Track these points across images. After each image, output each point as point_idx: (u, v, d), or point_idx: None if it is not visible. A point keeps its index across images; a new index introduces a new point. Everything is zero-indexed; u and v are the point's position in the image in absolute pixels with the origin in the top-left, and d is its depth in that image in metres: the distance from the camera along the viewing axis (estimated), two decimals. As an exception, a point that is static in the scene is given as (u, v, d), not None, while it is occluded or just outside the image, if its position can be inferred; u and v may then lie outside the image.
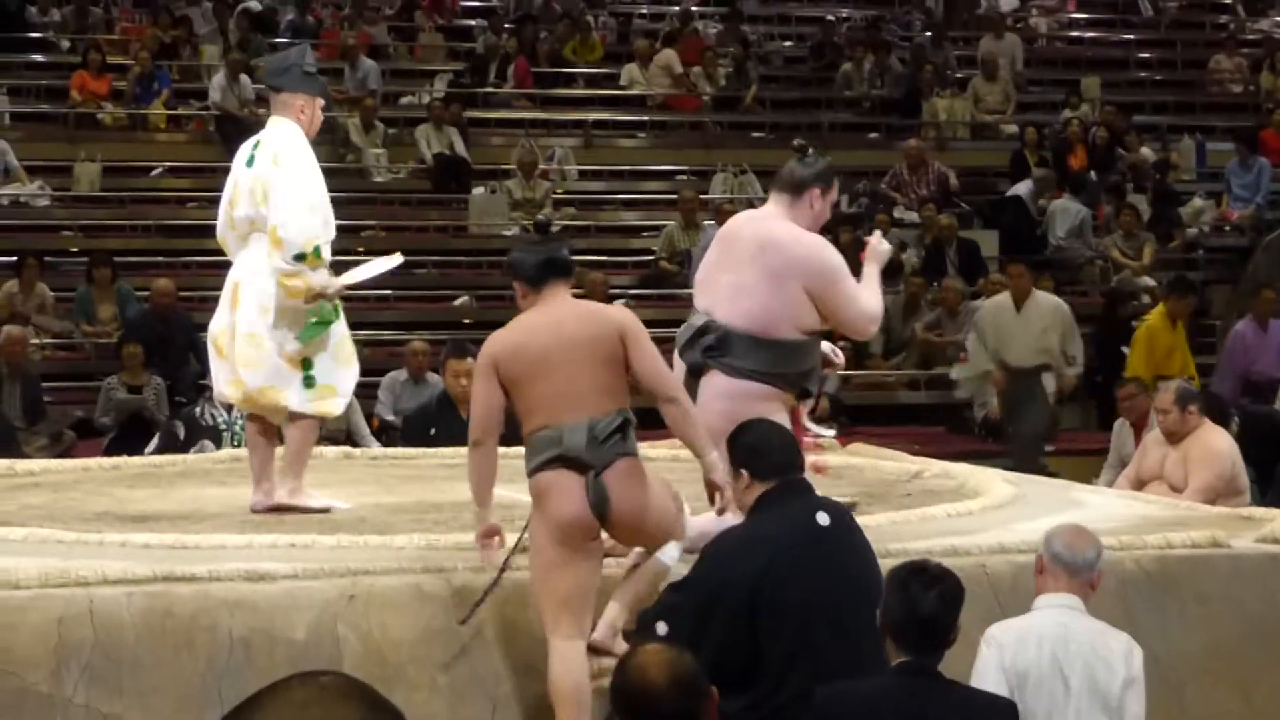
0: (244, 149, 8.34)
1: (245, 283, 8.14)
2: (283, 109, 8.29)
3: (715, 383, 7.24)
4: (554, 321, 6.55)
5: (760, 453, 6.29)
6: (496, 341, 6.57)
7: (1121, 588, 7.26)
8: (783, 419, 7.11)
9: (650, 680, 4.48)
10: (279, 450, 8.34)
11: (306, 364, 8.18)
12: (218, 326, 8.27)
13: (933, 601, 5.35)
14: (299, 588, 6.60)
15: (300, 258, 7.97)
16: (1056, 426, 16.34)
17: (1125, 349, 16.39)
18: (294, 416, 8.24)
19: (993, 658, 5.91)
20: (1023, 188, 20.78)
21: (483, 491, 6.57)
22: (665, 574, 6.56)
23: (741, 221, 7.60)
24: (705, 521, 7.13)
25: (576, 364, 6.45)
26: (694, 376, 7.26)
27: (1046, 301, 14.80)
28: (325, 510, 8.18)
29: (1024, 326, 14.32)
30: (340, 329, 8.26)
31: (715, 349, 7.24)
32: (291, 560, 6.85)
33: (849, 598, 5.72)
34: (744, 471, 6.30)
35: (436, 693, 6.50)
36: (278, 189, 8.05)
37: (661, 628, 6.05)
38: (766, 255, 7.28)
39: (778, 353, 7.23)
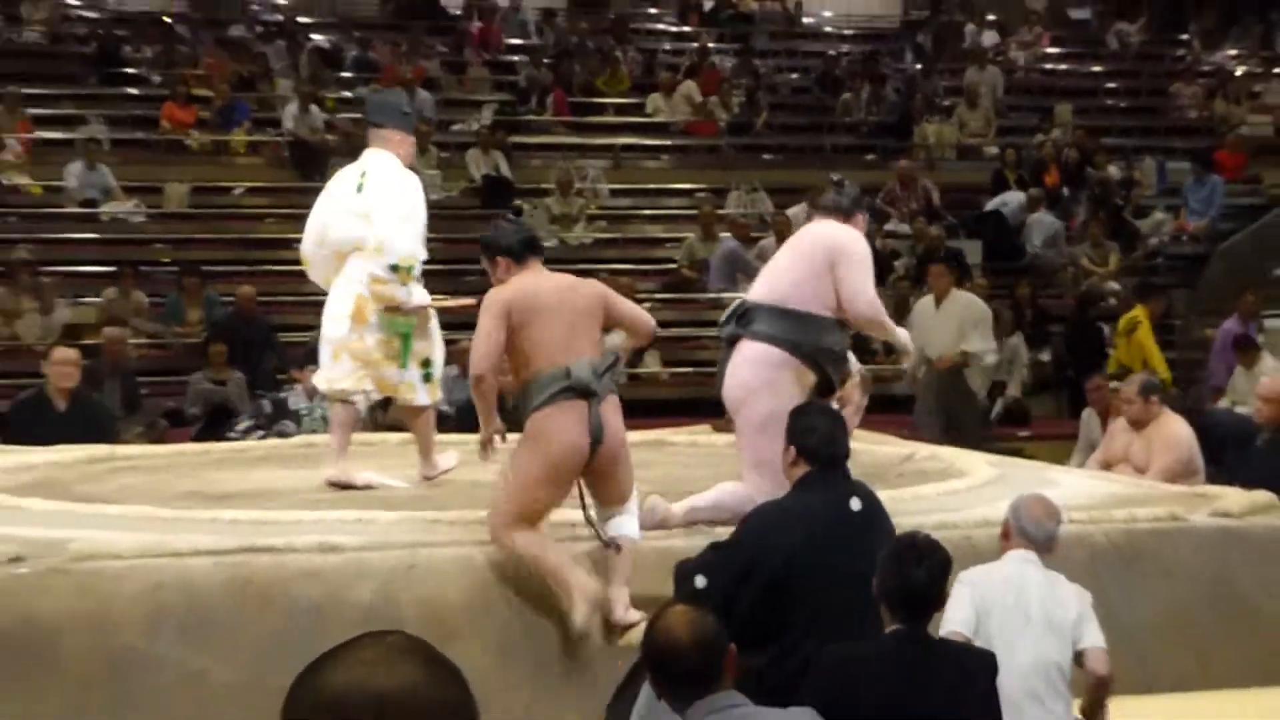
0: (347, 177, 8.44)
1: (368, 297, 8.26)
2: (382, 142, 8.44)
3: (741, 350, 7.30)
4: (551, 283, 6.83)
5: (810, 436, 6.22)
6: (508, 290, 6.75)
7: (1091, 558, 7.27)
8: (791, 389, 7.13)
9: (676, 638, 4.50)
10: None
11: (426, 362, 8.48)
12: (339, 332, 8.32)
13: (922, 574, 5.33)
14: (365, 558, 6.62)
15: (394, 269, 8.08)
16: (1021, 415, 16.32)
17: (1110, 350, 16.32)
18: (419, 409, 8.50)
19: (964, 593, 6.00)
20: (1014, 200, 20.72)
21: (489, 414, 6.80)
22: (634, 546, 6.72)
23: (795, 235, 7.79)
24: (721, 494, 7.18)
25: (573, 316, 6.68)
26: (729, 346, 7.34)
27: (963, 298, 14.32)
28: (451, 468, 8.63)
29: (943, 323, 13.86)
30: (435, 330, 8.53)
31: (742, 319, 7.32)
32: (358, 534, 6.88)
33: (869, 575, 5.69)
34: (793, 448, 6.24)
35: (486, 650, 6.52)
36: (387, 209, 8.18)
37: (700, 580, 6.03)
38: (801, 240, 7.44)
39: (793, 322, 7.24)
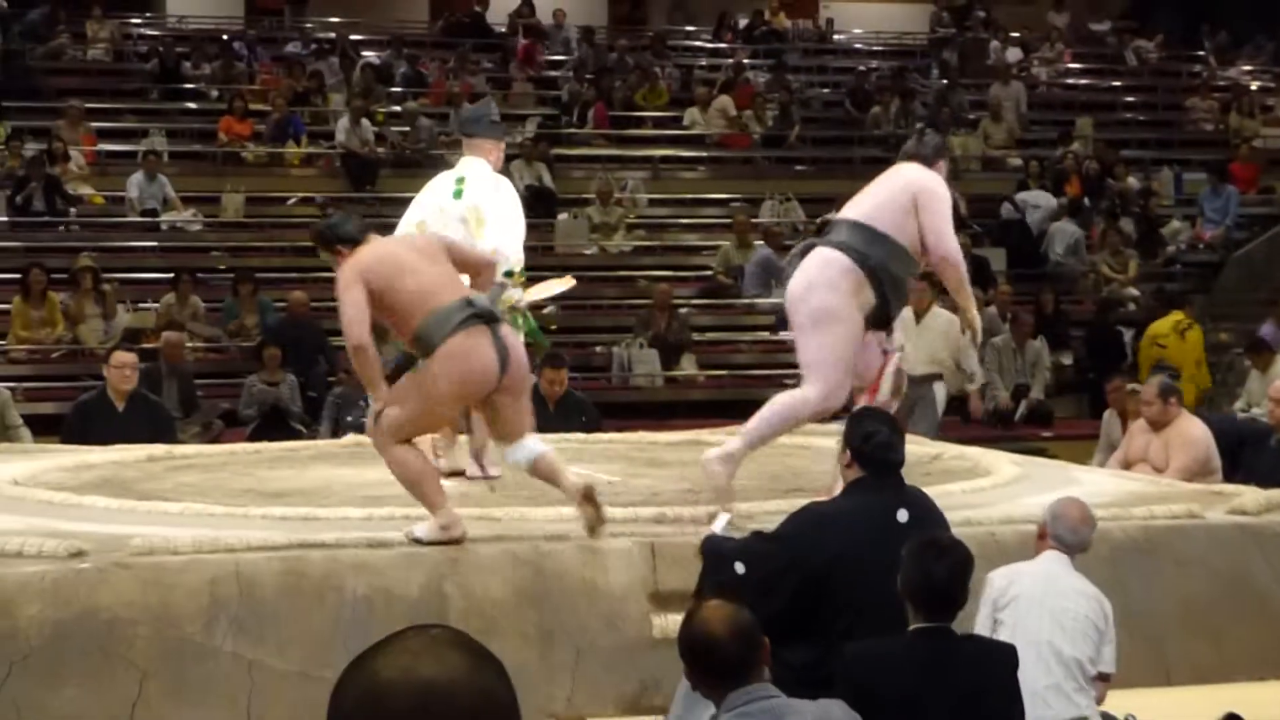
0: (443, 184, 8.55)
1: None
2: (475, 150, 8.57)
3: (812, 255, 7.33)
4: (396, 243, 6.94)
5: (866, 442, 5.93)
6: (357, 260, 6.67)
7: (1112, 553, 7.24)
8: (850, 295, 7.16)
9: (713, 632, 4.47)
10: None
11: None
12: None
13: (944, 571, 5.23)
14: (412, 553, 6.62)
15: (508, 274, 8.20)
16: (1044, 416, 16.24)
17: (1164, 353, 16.21)
18: None
19: (987, 596, 5.97)
20: (1045, 202, 20.67)
21: (378, 377, 6.73)
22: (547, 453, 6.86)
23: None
24: (772, 407, 7.18)
25: (433, 264, 6.70)
26: (802, 256, 7.35)
27: (943, 316, 13.99)
28: (495, 478, 8.52)
29: (919, 337, 13.58)
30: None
31: (820, 231, 7.45)
32: (405, 530, 6.87)
33: None
34: (849, 451, 5.97)
35: (528, 642, 6.51)
36: (497, 217, 8.32)
37: (740, 567, 5.90)
38: (889, 175, 7.46)
39: (866, 235, 7.27)
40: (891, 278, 7.31)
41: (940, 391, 13.66)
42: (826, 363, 7.17)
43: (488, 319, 6.62)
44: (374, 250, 6.74)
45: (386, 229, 17.79)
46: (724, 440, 10.29)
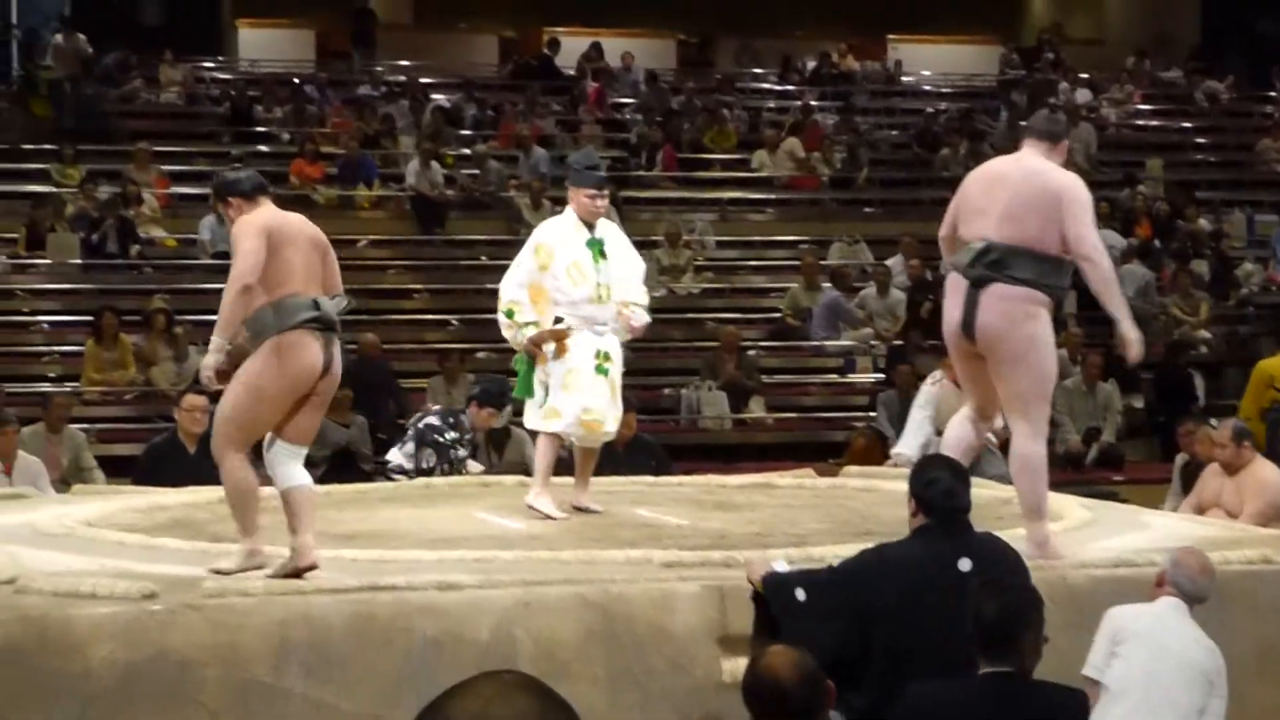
0: None
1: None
2: (568, 197, 9.00)
3: (995, 290, 7.27)
4: (291, 218, 7.08)
5: (929, 489, 5.86)
6: (262, 215, 6.94)
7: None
8: (1045, 321, 7.28)
9: (781, 679, 4.45)
10: None
11: (546, 390, 8.68)
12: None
13: (992, 610, 5.18)
14: (482, 596, 6.61)
15: (505, 314, 8.69)
16: (1115, 459, 16.13)
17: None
18: (536, 434, 8.88)
19: (1104, 630, 5.99)
20: (1117, 242, 20.56)
21: (232, 327, 6.95)
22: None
23: (1007, 163, 7.65)
24: (1016, 478, 7.30)
25: (311, 251, 6.98)
26: (975, 288, 7.31)
27: None
28: (552, 517, 8.57)
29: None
30: (572, 363, 8.64)
31: (997, 264, 7.28)
32: (475, 572, 6.87)
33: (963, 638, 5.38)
34: (914, 499, 5.92)
35: (597, 685, 6.49)
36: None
37: (801, 594, 5.88)
38: (1037, 185, 7.34)
39: (1046, 266, 7.29)
40: (1062, 291, 7.47)
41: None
42: (1028, 397, 7.32)
43: (326, 327, 6.88)
44: (273, 213, 7.00)
45: (456, 271, 18.00)
46: (800, 483, 10.28)
